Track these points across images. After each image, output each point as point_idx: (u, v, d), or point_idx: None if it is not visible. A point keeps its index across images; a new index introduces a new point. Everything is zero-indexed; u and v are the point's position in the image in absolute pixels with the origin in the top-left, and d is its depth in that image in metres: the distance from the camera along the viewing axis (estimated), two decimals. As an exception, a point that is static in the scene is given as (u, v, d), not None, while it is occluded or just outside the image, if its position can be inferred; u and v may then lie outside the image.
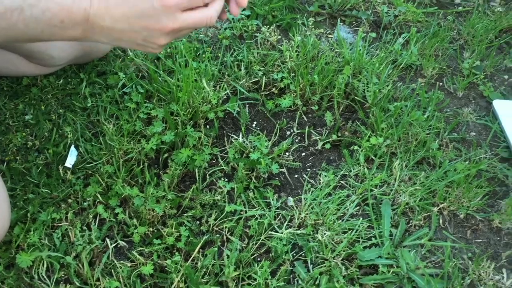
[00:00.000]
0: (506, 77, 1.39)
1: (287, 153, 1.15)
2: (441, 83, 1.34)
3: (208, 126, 1.17)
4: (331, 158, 1.16)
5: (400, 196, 1.07)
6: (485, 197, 1.09)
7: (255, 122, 1.21)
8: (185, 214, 1.02)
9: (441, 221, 1.06)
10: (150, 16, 0.68)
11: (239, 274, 0.93)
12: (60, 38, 0.70)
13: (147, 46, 0.73)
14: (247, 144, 1.13)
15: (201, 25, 0.71)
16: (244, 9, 1.46)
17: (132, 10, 0.68)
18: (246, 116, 1.19)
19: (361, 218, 1.03)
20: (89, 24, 0.68)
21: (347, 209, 1.05)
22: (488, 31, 1.47)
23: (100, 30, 0.69)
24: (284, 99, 1.22)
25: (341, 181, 1.10)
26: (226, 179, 1.07)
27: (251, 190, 1.06)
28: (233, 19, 1.43)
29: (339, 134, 1.18)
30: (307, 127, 1.19)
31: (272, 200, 1.05)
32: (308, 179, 1.11)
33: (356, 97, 1.23)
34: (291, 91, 1.24)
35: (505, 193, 1.11)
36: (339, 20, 1.47)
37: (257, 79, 1.26)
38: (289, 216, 1.03)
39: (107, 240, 0.96)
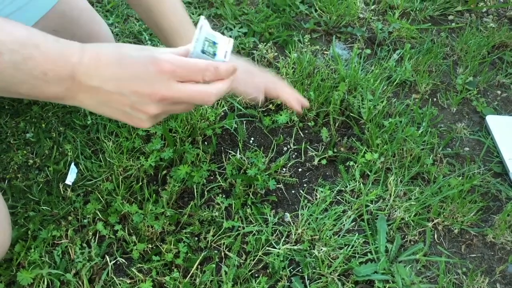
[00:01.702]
0: (499, 92, 1.41)
1: (284, 169, 1.17)
2: (435, 99, 1.37)
3: (206, 143, 1.19)
4: (327, 173, 1.17)
5: (396, 211, 1.09)
6: (479, 212, 1.11)
7: (252, 138, 1.23)
8: (184, 231, 1.03)
9: (436, 236, 1.07)
10: (142, 80, 0.61)
11: (237, 290, 0.95)
12: (40, 93, 0.62)
13: (134, 117, 0.64)
14: (244, 160, 1.15)
15: (198, 101, 0.64)
16: (241, 27, 1.48)
17: (125, 71, 0.61)
18: (244, 133, 1.21)
19: (357, 234, 1.05)
20: (76, 82, 0.61)
21: (343, 225, 1.06)
22: (481, 47, 1.49)
23: (86, 90, 0.62)
24: (281, 115, 1.24)
25: (337, 197, 1.12)
26: (224, 195, 1.09)
27: (248, 206, 1.08)
28: (230, 36, 1.45)
29: (335, 150, 1.20)
30: (303, 143, 1.21)
31: (269, 216, 1.07)
32: (305, 194, 1.12)
33: (351, 114, 1.26)
34: (287, 108, 1.26)
35: (499, 208, 1.13)
36: (334, 37, 1.50)
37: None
38: (286, 232, 1.05)
39: (107, 257, 0.98)
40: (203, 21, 0.65)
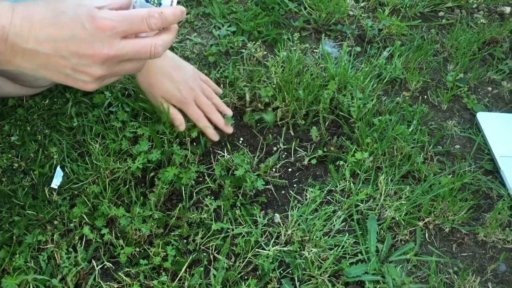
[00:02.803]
0: (489, 89, 1.41)
1: (273, 169, 1.16)
2: (425, 96, 1.36)
3: (194, 144, 1.17)
4: (317, 173, 1.16)
5: (386, 211, 1.08)
6: (470, 211, 1.10)
7: (241, 138, 1.21)
8: (172, 233, 1.02)
9: (426, 235, 1.07)
10: (81, 40, 0.57)
11: (226, 294, 0.94)
12: None
13: (78, 79, 0.61)
14: (232, 161, 1.14)
15: (144, 54, 0.60)
16: (229, 26, 1.47)
17: (60, 31, 0.57)
18: (229, 134, 1.20)
19: (347, 234, 1.04)
20: (8, 45, 0.57)
21: (334, 225, 1.05)
22: (471, 43, 1.49)
23: (21, 53, 0.58)
24: (268, 115, 1.23)
25: (327, 197, 1.11)
26: (212, 197, 1.08)
27: (237, 208, 1.07)
28: (219, 35, 1.44)
29: (325, 149, 1.19)
30: (293, 143, 1.20)
31: (259, 217, 1.05)
32: (295, 195, 1.11)
33: (341, 112, 1.24)
34: (277, 107, 1.25)
35: (490, 206, 1.12)
36: (324, 34, 1.48)
37: (242, 95, 1.27)
38: (276, 233, 1.04)
39: (93, 261, 0.96)
40: None
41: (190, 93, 1.13)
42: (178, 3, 0.64)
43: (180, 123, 1.13)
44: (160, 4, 0.62)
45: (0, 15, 0.56)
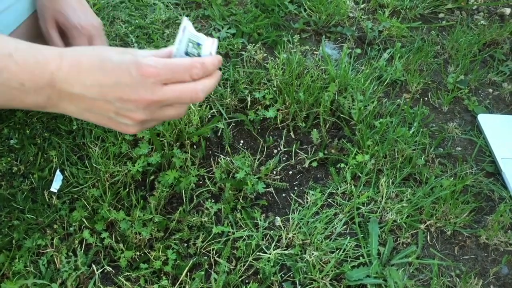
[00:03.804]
0: (490, 90, 1.40)
1: (274, 172, 1.15)
2: (426, 98, 1.35)
3: (195, 147, 1.17)
4: (318, 176, 1.16)
5: (387, 213, 1.07)
6: (471, 213, 1.09)
7: (241, 141, 1.21)
8: (172, 237, 1.01)
9: (428, 238, 1.06)
10: (126, 86, 0.59)
11: (227, 298, 0.93)
12: (21, 103, 0.59)
13: (121, 123, 0.63)
14: (232, 164, 1.13)
15: (186, 100, 0.62)
16: (229, 28, 1.46)
17: (107, 77, 0.59)
18: (229, 137, 1.19)
19: (348, 237, 1.03)
20: (56, 90, 0.59)
21: (335, 228, 1.05)
22: (471, 45, 1.48)
23: (68, 98, 0.60)
24: (268, 111, 1.23)
25: (328, 200, 1.10)
26: (213, 200, 1.07)
27: (238, 211, 1.06)
28: (218, 37, 1.43)
29: (326, 152, 1.19)
30: (294, 145, 1.20)
31: (260, 220, 1.05)
32: (296, 198, 1.11)
33: (342, 114, 1.24)
34: (277, 109, 1.24)
35: (491, 209, 1.12)
36: (324, 36, 1.48)
37: (243, 97, 1.26)
38: (277, 236, 1.03)
39: (93, 265, 0.96)
40: (186, 22, 0.64)
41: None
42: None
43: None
44: (199, 56, 0.65)
45: (49, 62, 0.58)
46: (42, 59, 0.58)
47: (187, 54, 0.65)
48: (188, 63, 0.62)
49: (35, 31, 1.00)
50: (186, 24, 0.64)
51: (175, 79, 0.61)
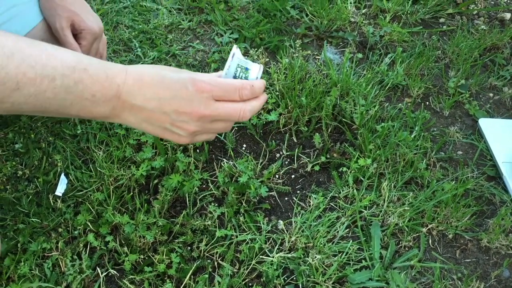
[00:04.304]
0: (491, 95, 1.41)
1: (277, 176, 1.16)
2: (427, 103, 1.36)
3: (198, 151, 1.18)
4: (320, 180, 1.17)
5: (389, 217, 1.08)
6: (473, 217, 1.10)
7: (244, 145, 1.22)
8: (176, 240, 1.02)
9: (430, 241, 1.07)
10: (182, 99, 0.65)
11: (231, 301, 0.94)
12: (89, 113, 0.65)
13: (174, 133, 0.68)
14: (236, 167, 1.14)
15: (234, 117, 0.68)
16: (232, 33, 1.48)
17: (166, 90, 0.65)
18: (233, 141, 1.20)
19: (351, 241, 1.04)
20: (120, 101, 0.65)
21: (337, 232, 1.06)
22: (472, 50, 1.49)
23: (130, 108, 0.66)
24: (270, 115, 1.24)
25: (331, 203, 1.11)
26: (216, 204, 1.08)
27: (241, 214, 1.07)
28: (221, 42, 1.44)
29: (328, 156, 1.19)
30: (296, 149, 1.20)
31: (263, 224, 1.06)
32: (298, 201, 1.12)
33: (344, 119, 1.25)
34: (280, 114, 1.25)
35: (493, 212, 1.13)
36: (325, 41, 1.49)
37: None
38: (280, 240, 1.04)
39: (98, 269, 0.96)
40: (235, 49, 0.71)
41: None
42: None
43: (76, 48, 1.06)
44: (248, 73, 0.71)
45: (116, 76, 0.64)
46: (111, 74, 0.64)
47: (235, 77, 0.71)
48: (239, 84, 0.68)
49: (43, 33, 1.02)
50: (235, 51, 0.70)
51: (226, 97, 0.67)
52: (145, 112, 0.66)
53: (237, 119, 0.69)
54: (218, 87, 0.66)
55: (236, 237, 1.03)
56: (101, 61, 0.65)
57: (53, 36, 1.03)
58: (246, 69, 0.71)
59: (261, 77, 0.71)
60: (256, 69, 0.71)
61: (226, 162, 1.15)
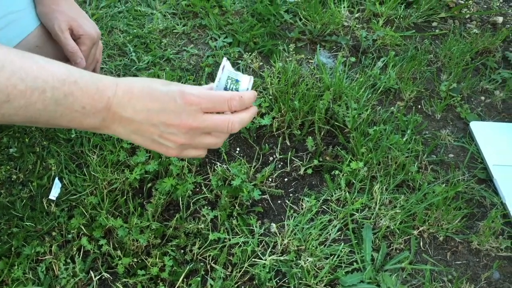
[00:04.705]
0: (482, 98, 1.43)
1: (270, 179, 1.17)
2: (419, 106, 1.37)
3: (191, 154, 1.18)
4: (313, 183, 1.18)
5: (381, 219, 1.09)
6: (463, 219, 1.11)
7: (237, 149, 1.23)
8: (169, 244, 1.03)
9: (421, 244, 1.08)
10: (171, 112, 0.66)
11: (223, 303, 0.94)
12: (79, 124, 0.66)
13: (163, 144, 0.69)
14: (229, 171, 1.15)
15: (222, 129, 0.69)
16: (226, 37, 1.49)
17: (155, 103, 0.66)
18: (226, 144, 1.21)
19: (343, 243, 1.05)
20: (110, 113, 0.66)
21: (329, 234, 1.06)
22: (464, 53, 1.51)
23: (119, 120, 0.67)
24: (264, 119, 1.25)
25: (323, 206, 1.12)
26: (209, 207, 1.09)
27: (234, 218, 1.08)
28: (215, 46, 1.45)
29: (321, 159, 1.21)
30: (289, 153, 1.21)
31: (255, 227, 1.06)
32: (291, 204, 1.13)
33: (336, 122, 1.26)
34: (273, 117, 1.26)
35: (483, 214, 1.14)
36: (319, 45, 1.50)
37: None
38: (272, 243, 1.05)
39: (91, 272, 0.97)
40: (225, 62, 0.72)
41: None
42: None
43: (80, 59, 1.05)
44: (238, 85, 0.72)
45: (106, 88, 0.65)
46: (101, 86, 0.65)
47: (226, 89, 0.72)
48: (228, 96, 0.69)
49: (37, 40, 1.03)
50: (225, 64, 0.71)
51: (215, 109, 0.68)
52: (134, 124, 0.67)
53: (226, 130, 0.69)
54: (207, 99, 0.67)
55: (229, 240, 1.04)
56: (93, 74, 0.66)
57: (49, 42, 1.04)
58: (237, 81, 0.72)
59: (253, 88, 0.72)
60: (246, 81, 0.72)
61: (220, 166, 1.16)
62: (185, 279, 0.97)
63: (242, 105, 0.70)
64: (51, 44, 1.03)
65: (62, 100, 0.62)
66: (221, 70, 0.71)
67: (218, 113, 0.70)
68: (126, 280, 0.97)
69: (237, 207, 1.09)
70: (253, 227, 1.06)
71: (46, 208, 1.04)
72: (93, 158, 1.11)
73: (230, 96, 0.69)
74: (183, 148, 0.71)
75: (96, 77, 0.66)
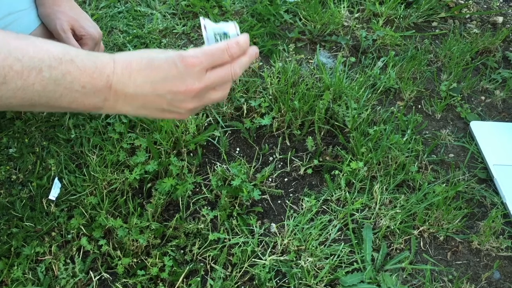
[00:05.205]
0: (483, 98, 1.42)
1: (269, 179, 1.17)
2: (419, 106, 1.37)
3: (191, 154, 1.18)
4: (313, 183, 1.17)
5: (381, 219, 1.09)
6: (464, 219, 1.11)
7: (237, 149, 1.22)
8: (169, 244, 1.02)
9: (421, 243, 1.08)
10: (174, 78, 0.65)
11: (223, 303, 0.94)
12: (82, 106, 0.64)
13: (173, 112, 0.68)
14: (228, 171, 1.15)
15: (227, 78, 0.68)
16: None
17: (156, 73, 0.65)
18: (226, 144, 1.21)
19: (343, 243, 1.05)
20: (112, 91, 0.64)
21: (329, 234, 1.06)
22: (464, 53, 1.51)
23: (123, 97, 0.66)
24: (264, 119, 1.25)
25: (323, 206, 1.12)
26: (209, 207, 1.09)
27: (234, 218, 1.08)
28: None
29: (321, 159, 1.20)
30: (289, 153, 1.21)
31: (255, 227, 1.06)
32: (291, 204, 1.12)
33: (336, 122, 1.26)
34: (273, 117, 1.26)
35: (483, 214, 1.13)
36: (319, 45, 1.50)
37: (239, 106, 1.28)
38: (272, 243, 1.05)
39: (91, 272, 0.97)
40: (203, 20, 0.70)
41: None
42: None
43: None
44: (228, 37, 0.70)
45: (104, 66, 0.63)
46: (100, 64, 0.63)
47: (216, 41, 0.70)
48: (224, 45, 0.67)
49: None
50: (205, 22, 0.69)
51: (216, 63, 0.67)
52: (140, 98, 0.66)
53: (230, 79, 0.68)
54: (207, 55, 0.65)
55: (229, 240, 1.04)
56: (89, 52, 0.65)
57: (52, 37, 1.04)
58: (224, 33, 0.70)
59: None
60: (232, 28, 0.70)
61: (219, 166, 1.16)
62: (185, 279, 0.97)
63: (241, 49, 0.68)
64: None
65: (61, 80, 0.61)
66: (204, 29, 0.69)
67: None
68: (125, 280, 0.96)
69: (237, 207, 1.09)
70: (253, 227, 1.06)
71: (45, 208, 1.04)
72: (93, 158, 1.11)
73: (227, 45, 0.67)
74: (194, 109, 0.70)
75: (92, 54, 0.64)
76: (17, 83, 0.59)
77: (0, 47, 0.57)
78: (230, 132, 1.25)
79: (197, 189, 1.13)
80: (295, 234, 1.05)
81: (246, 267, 1.00)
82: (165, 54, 0.66)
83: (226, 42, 0.67)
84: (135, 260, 0.99)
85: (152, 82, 0.65)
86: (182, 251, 1.02)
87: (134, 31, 1.47)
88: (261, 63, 1.41)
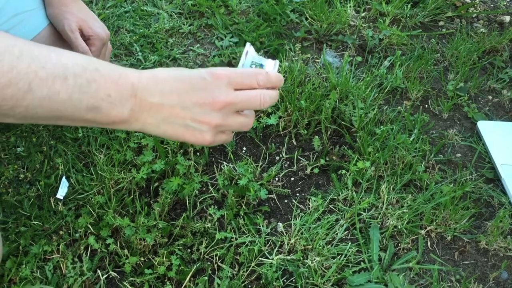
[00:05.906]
0: (490, 97, 1.42)
1: (276, 179, 1.17)
2: (426, 105, 1.37)
3: (198, 154, 1.19)
4: (319, 182, 1.17)
5: (388, 219, 1.09)
6: (471, 219, 1.11)
7: (244, 148, 1.23)
8: (176, 243, 1.03)
9: (429, 243, 1.07)
10: (201, 89, 0.64)
11: (230, 303, 0.94)
12: (107, 118, 0.63)
13: (196, 129, 0.66)
14: (235, 170, 1.15)
15: (254, 103, 0.66)
16: (232, 36, 1.49)
17: (184, 84, 0.64)
18: (232, 144, 1.21)
19: (350, 243, 1.05)
20: (137, 100, 0.63)
21: (336, 234, 1.06)
22: (471, 53, 1.50)
23: (148, 108, 0.64)
24: (270, 118, 1.25)
25: (330, 206, 1.12)
26: (216, 206, 1.09)
27: (241, 217, 1.08)
28: (221, 46, 1.45)
29: (327, 159, 1.20)
30: (296, 152, 1.21)
31: (262, 226, 1.06)
32: (298, 204, 1.12)
33: (343, 122, 1.26)
34: (280, 117, 1.26)
35: (491, 214, 1.13)
36: (325, 45, 1.50)
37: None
38: (279, 242, 1.05)
39: (99, 271, 0.97)
40: (248, 47, 0.70)
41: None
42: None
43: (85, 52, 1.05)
44: (262, 67, 0.70)
45: (129, 75, 0.63)
46: (124, 73, 0.63)
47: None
48: (253, 70, 0.67)
49: (45, 40, 1.03)
50: (249, 49, 0.70)
51: (244, 84, 0.66)
52: (165, 109, 0.64)
53: (258, 104, 0.67)
54: (235, 73, 0.65)
55: (236, 239, 1.04)
56: (111, 63, 0.64)
57: (58, 42, 1.04)
58: (261, 65, 0.70)
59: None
60: (271, 65, 0.70)
61: (226, 165, 1.16)
62: (192, 278, 0.97)
63: (269, 81, 0.67)
64: (60, 45, 1.04)
65: (86, 87, 0.60)
66: (245, 55, 0.69)
67: None
68: (133, 279, 0.97)
69: (243, 206, 1.09)
70: (259, 226, 1.06)
71: (53, 207, 1.05)
72: (100, 157, 1.12)
73: (255, 71, 0.67)
74: (217, 131, 0.67)
75: (115, 65, 0.64)
76: (43, 91, 0.58)
77: (24, 53, 0.56)
78: (235, 131, 1.25)
79: (204, 188, 1.13)
80: (302, 233, 1.05)
81: (253, 266, 1.00)
82: (192, 69, 0.66)
83: (256, 69, 0.68)
84: (142, 259, 0.99)
85: (179, 93, 0.64)
86: (189, 250, 1.02)
87: (141, 30, 1.47)
88: (267, 63, 1.41)
